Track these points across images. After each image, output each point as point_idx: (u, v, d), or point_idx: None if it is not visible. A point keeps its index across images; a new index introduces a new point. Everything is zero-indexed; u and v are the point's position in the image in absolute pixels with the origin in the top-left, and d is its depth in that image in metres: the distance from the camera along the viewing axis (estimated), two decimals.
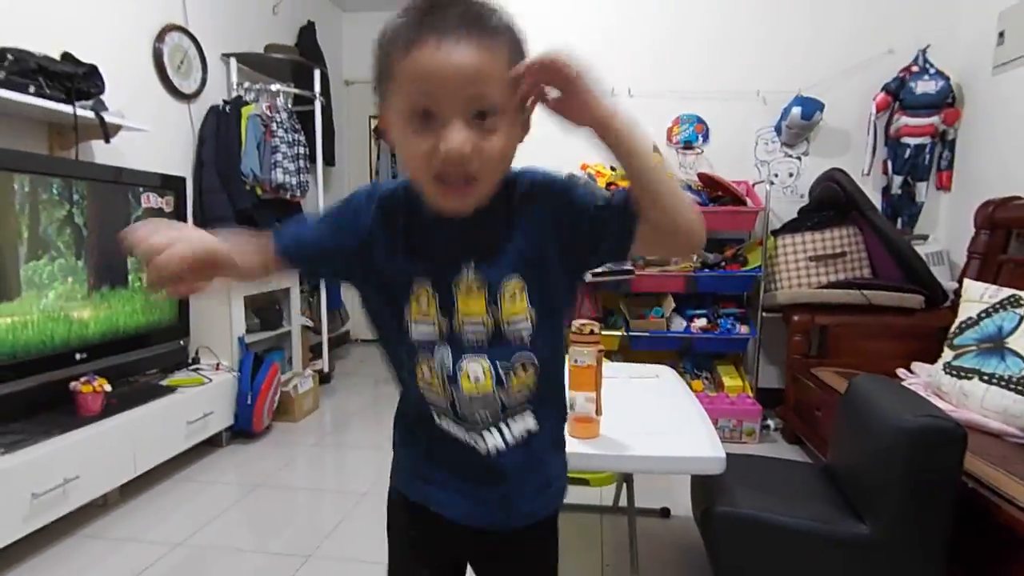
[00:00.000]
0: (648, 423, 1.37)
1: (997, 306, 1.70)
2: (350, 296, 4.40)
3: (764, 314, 2.69)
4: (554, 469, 0.79)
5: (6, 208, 1.71)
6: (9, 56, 1.76)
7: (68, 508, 1.72)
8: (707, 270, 2.69)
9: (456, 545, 0.81)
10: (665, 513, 1.92)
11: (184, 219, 2.45)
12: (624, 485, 1.58)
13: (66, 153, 2.10)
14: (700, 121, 2.90)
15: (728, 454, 1.20)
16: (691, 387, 2.65)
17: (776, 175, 2.89)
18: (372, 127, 4.49)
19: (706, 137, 2.91)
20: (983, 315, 1.72)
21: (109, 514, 1.92)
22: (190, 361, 2.51)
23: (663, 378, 1.71)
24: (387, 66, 0.62)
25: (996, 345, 1.63)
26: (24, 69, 1.80)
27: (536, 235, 0.69)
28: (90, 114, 2.00)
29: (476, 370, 0.70)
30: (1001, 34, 2.37)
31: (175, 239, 0.58)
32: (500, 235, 0.69)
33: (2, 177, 1.70)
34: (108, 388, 1.93)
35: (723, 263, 2.71)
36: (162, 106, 2.67)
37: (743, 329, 2.69)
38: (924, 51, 2.61)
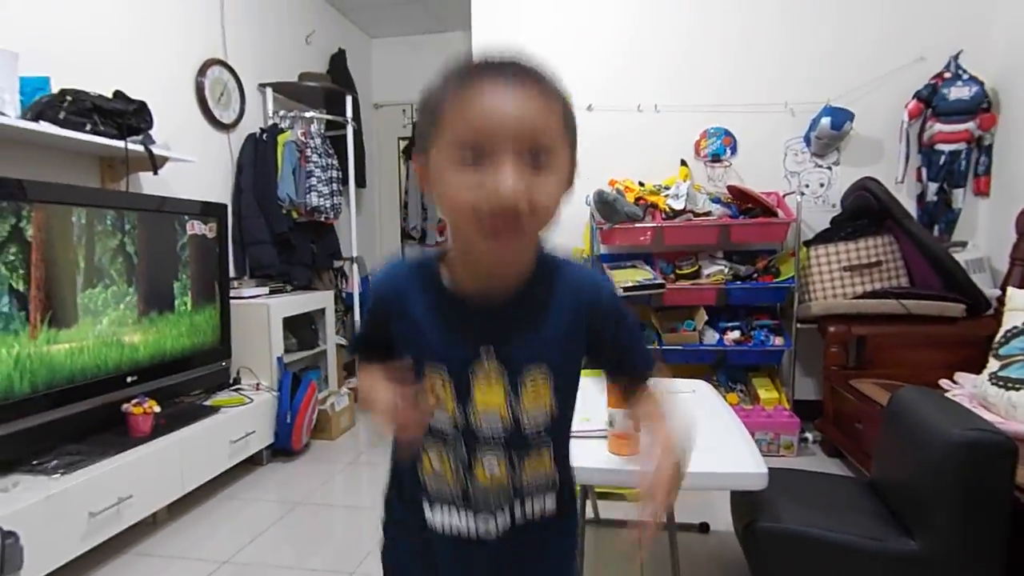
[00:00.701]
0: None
1: None
2: None
3: (799, 325, 2.65)
4: (561, 553, 0.77)
5: (65, 239, 1.81)
6: (68, 97, 1.87)
7: (121, 526, 1.79)
8: (739, 282, 2.67)
9: None
10: (704, 528, 1.90)
11: (226, 243, 2.55)
12: None
13: (116, 185, 2.21)
14: (728, 134, 2.90)
15: (769, 468, 1.20)
16: (726, 400, 2.64)
17: (807, 185, 2.87)
18: (401, 148, 4.59)
19: (734, 150, 2.91)
20: None
21: (158, 532, 1.98)
22: (231, 381, 2.59)
23: (700, 393, 1.70)
24: (436, 109, 0.60)
25: None
26: (81, 109, 1.91)
27: (571, 328, 0.68)
28: (140, 148, 2.11)
29: (492, 463, 0.68)
30: None
31: (396, 408, 0.63)
32: (529, 320, 0.67)
33: (62, 211, 1.80)
34: (158, 409, 2.01)
35: (755, 275, 2.69)
36: (204, 137, 2.79)
37: (777, 341, 2.66)
38: (956, 57, 2.58)
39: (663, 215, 2.68)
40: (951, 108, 2.54)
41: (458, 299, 0.66)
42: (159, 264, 2.18)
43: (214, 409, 2.30)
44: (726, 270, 2.68)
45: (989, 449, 1.15)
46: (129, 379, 2.02)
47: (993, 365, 1.72)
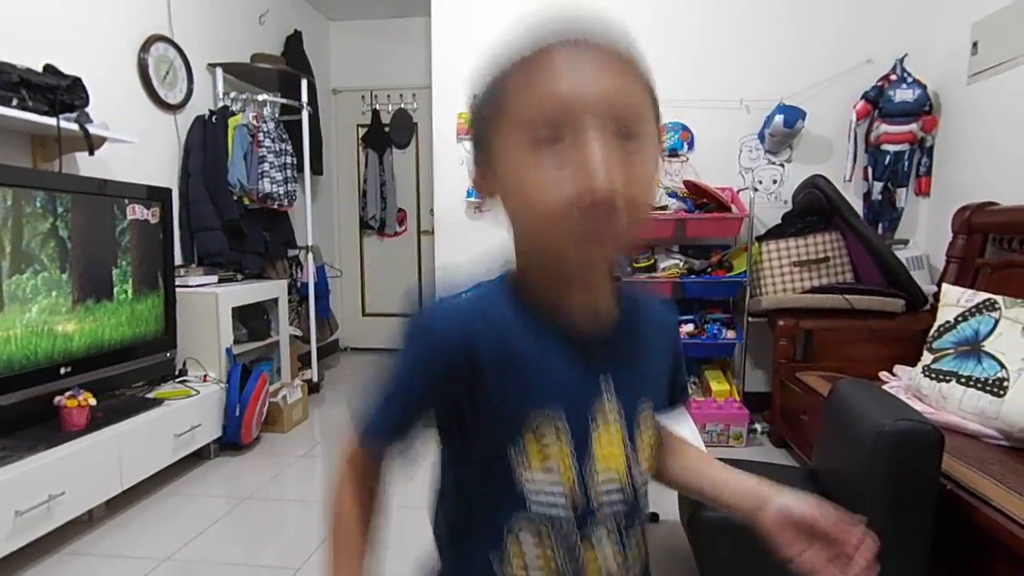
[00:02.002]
0: None
1: (973, 310, 1.74)
2: (339, 304, 4.40)
3: (750, 319, 2.72)
4: None
5: None
6: None
7: (53, 525, 1.70)
8: (693, 276, 2.72)
9: None
10: (654, 518, 1.94)
11: (171, 229, 2.44)
12: None
13: (49, 166, 2.09)
14: (685, 129, 2.93)
15: (716, 458, 1.22)
16: None
17: (760, 182, 2.93)
18: (360, 135, 4.50)
19: (691, 145, 2.95)
20: (960, 319, 1.76)
21: (95, 530, 1.90)
22: (177, 373, 2.50)
23: None
24: (495, 93, 0.49)
25: (973, 348, 1.66)
26: (5, 82, 1.79)
27: (663, 359, 0.59)
28: (74, 126, 1.99)
29: (606, 549, 0.52)
30: (975, 44, 2.43)
31: None
32: (632, 348, 0.55)
33: None
34: (93, 402, 1.92)
35: (709, 269, 2.74)
36: (148, 117, 2.66)
37: (729, 334, 2.72)
38: (901, 60, 2.67)
39: None
40: (896, 110, 2.63)
41: (557, 325, 0.52)
42: (96, 250, 2.08)
43: (157, 401, 2.21)
44: (681, 264, 2.72)
45: (917, 439, 1.20)
46: (62, 370, 1.92)
47: (927, 358, 1.80)
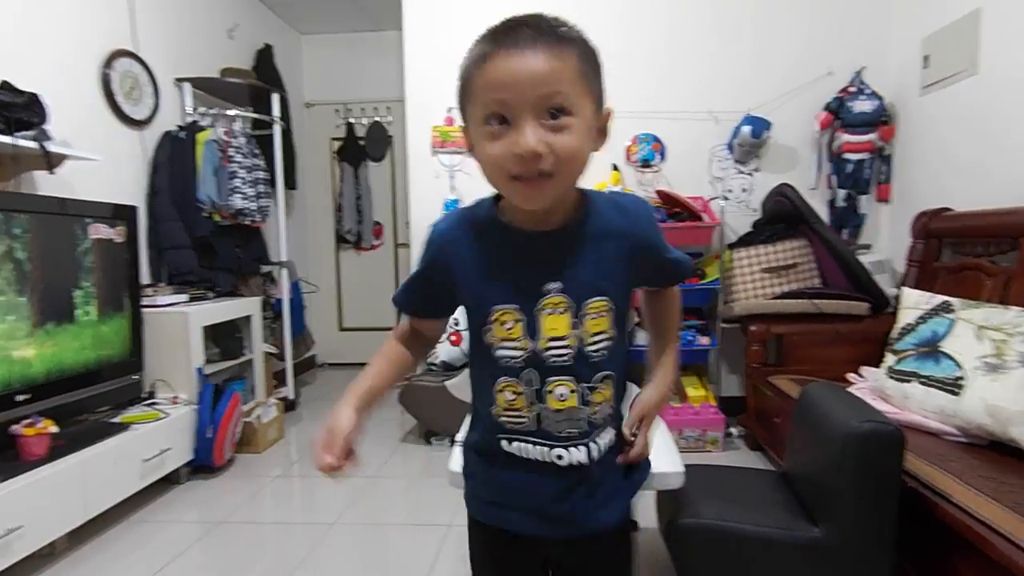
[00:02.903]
0: None
1: (931, 312, 1.79)
2: (315, 320, 4.35)
3: (723, 325, 2.77)
4: (621, 479, 0.83)
5: None
6: None
7: (10, 560, 1.63)
8: None
9: (536, 556, 0.84)
10: (633, 526, 1.94)
11: (136, 248, 2.39)
12: None
13: (4, 185, 2.03)
14: (656, 140, 2.99)
15: (690, 465, 1.24)
16: None
17: (730, 191, 3.00)
18: (335, 149, 4.47)
19: (663, 155, 3.00)
20: (919, 321, 1.82)
21: (56, 563, 1.83)
22: (145, 396, 2.43)
23: (627, 393, 1.73)
24: (467, 84, 0.67)
25: (932, 349, 1.72)
26: None
27: (615, 257, 0.75)
28: (32, 144, 1.94)
29: (563, 391, 0.74)
30: (926, 58, 2.53)
31: (332, 443, 0.72)
32: (582, 255, 0.73)
33: None
34: (54, 429, 1.85)
35: None
36: (112, 133, 2.60)
37: (704, 340, 2.76)
38: (859, 73, 2.77)
39: None
40: (856, 120, 2.72)
41: (520, 235, 0.72)
42: (56, 271, 2.02)
43: (123, 426, 2.14)
44: None
45: (881, 439, 1.23)
46: (19, 397, 1.85)
47: (890, 359, 1.85)
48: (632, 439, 0.81)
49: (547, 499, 0.77)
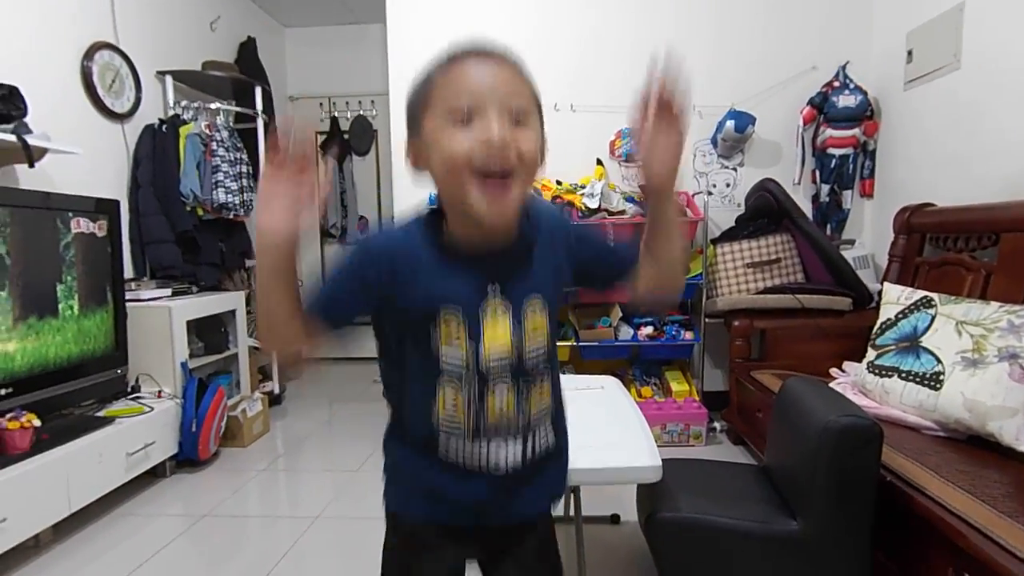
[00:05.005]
0: (591, 435, 1.40)
1: (912, 307, 1.82)
2: None
3: (707, 320, 2.79)
4: (557, 471, 0.85)
5: None
6: None
7: None
8: None
9: (459, 550, 0.83)
10: (615, 519, 1.97)
11: (119, 242, 2.37)
12: (572, 495, 1.61)
13: None
14: None
15: (670, 459, 1.25)
16: (641, 393, 2.74)
17: (714, 186, 3.01)
18: (319, 142, 4.44)
19: None
20: (900, 316, 1.84)
21: (42, 555, 1.82)
22: (129, 390, 2.42)
23: (608, 389, 1.75)
24: (426, 89, 0.69)
25: (912, 344, 1.74)
26: None
27: (553, 259, 0.78)
28: (11, 138, 1.91)
29: (502, 395, 0.74)
30: (909, 52, 2.55)
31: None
32: (524, 259, 0.76)
33: None
34: (37, 423, 1.84)
35: None
36: (94, 127, 2.57)
37: (688, 335, 2.78)
38: (844, 67, 2.78)
39: (579, 213, 2.74)
40: (840, 115, 2.74)
41: (462, 249, 0.73)
42: (38, 265, 2.00)
43: (107, 420, 2.14)
44: None
45: (858, 433, 1.25)
46: (3, 391, 1.84)
47: (871, 354, 1.87)
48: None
49: (482, 496, 0.77)
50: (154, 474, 2.35)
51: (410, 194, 3.07)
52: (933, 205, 2.29)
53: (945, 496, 1.25)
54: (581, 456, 1.25)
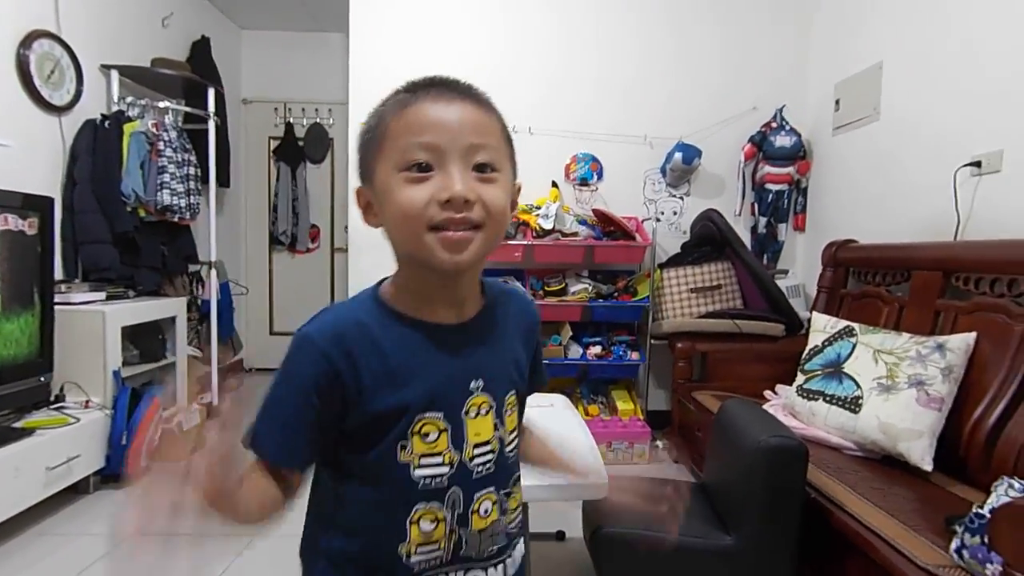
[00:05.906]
0: None
1: (836, 335, 1.97)
2: (244, 322, 4.18)
3: (652, 341, 2.90)
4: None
5: None
6: None
7: None
8: (601, 300, 2.86)
9: None
10: (560, 536, 2.00)
11: (51, 241, 2.24)
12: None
13: None
14: (595, 160, 3.10)
15: (616, 476, 1.29)
16: (588, 412, 2.80)
17: (662, 213, 3.15)
18: (272, 148, 4.34)
19: (600, 175, 3.12)
20: (826, 343, 1.99)
21: None
22: (53, 399, 2.27)
23: (557, 407, 1.80)
24: (378, 132, 0.59)
25: (835, 370, 1.88)
26: None
27: (522, 349, 0.70)
28: None
29: (487, 504, 0.63)
30: (837, 102, 2.78)
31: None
32: (494, 346, 0.66)
33: None
34: None
35: (615, 293, 2.89)
36: (27, 119, 2.43)
37: (634, 356, 2.88)
38: (780, 110, 3.00)
39: (534, 234, 2.80)
40: (777, 153, 2.94)
41: (432, 328, 0.61)
42: None
43: (26, 431, 2.00)
44: (590, 288, 2.86)
45: (786, 453, 1.35)
46: None
47: (800, 378, 2.01)
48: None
49: None
50: (76, 490, 2.20)
51: None
52: (856, 241, 2.49)
53: (860, 511, 1.35)
54: (530, 473, 1.29)
